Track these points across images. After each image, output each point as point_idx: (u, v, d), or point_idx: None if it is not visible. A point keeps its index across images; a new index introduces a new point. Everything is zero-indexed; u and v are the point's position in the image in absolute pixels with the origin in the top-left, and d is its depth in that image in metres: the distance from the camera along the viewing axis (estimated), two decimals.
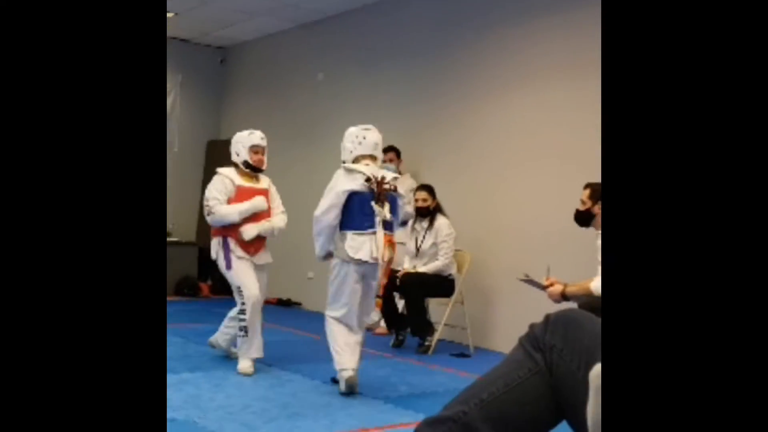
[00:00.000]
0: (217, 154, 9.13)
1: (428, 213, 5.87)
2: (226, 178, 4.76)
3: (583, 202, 4.27)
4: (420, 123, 6.92)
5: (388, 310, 5.90)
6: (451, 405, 1.63)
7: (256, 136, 4.82)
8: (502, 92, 6.23)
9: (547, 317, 1.64)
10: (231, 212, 4.66)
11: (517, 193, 6.04)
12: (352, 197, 4.13)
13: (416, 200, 5.87)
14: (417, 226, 5.92)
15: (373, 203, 4.13)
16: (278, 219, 4.89)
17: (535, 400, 1.58)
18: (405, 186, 6.43)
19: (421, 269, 5.80)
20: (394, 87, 7.27)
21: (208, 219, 4.75)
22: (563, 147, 5.70)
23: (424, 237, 5.86)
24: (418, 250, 5.89)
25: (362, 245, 4.12)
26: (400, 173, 6.58)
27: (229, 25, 8.62)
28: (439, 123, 6.78)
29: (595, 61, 5.38)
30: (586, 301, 3.93)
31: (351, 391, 4.10)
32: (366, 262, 4.13)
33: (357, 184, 4.13)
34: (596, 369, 1.39)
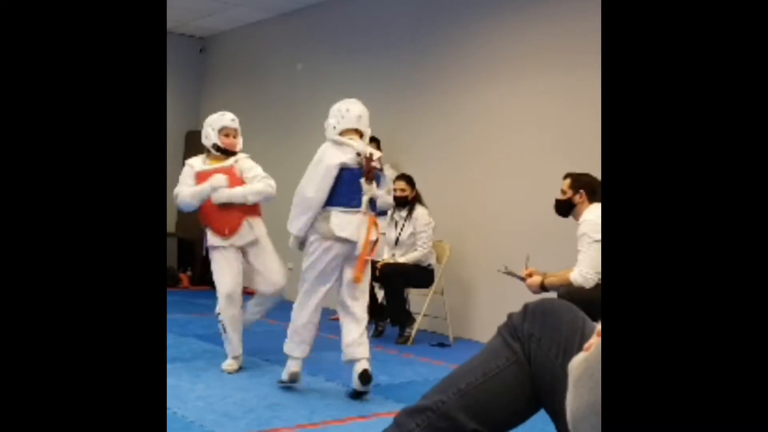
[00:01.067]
0: (196, 145, 9.04)
1: (407, 203, 5.88)
2: (188, 167, 4.59)
3: (563, 192, 4.27)
4: (399, 113, 6.92)
5: (368, 300, 5.90)
6: (430, 394, 1.63)
7: (226, 118, 4.57)
8: (482, 83, 6.23)
9: (526, 306, 1.65)
10: (183, 195, 4.47)
11: (496, 183, 6.05)
12: (342, 172, 3.85)
13: (395, 190, 5.86)
14: (396, 216, 5.93)
15: (362, 180, 3.88)
16: (255, 184, 4.50)
17: (514, 389, 1.58)
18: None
19: (400, 259, 5.80)
20: (373, 77, 7.25)
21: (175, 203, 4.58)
22: (543, 137, 5.72)
23: (402, 227, 5.87)
24: (397, 240, 5.89)
25: (348, 223, 3.84)
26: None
27: (207, 14, 8.56)
28: (418, 113, 6.78)
29: (579, 52, 5.41)
30: (565, 291, 3.95)
31: (292, 382, 3.98)
32: (350, 241, 3.86)
33: (348, 157, 3.86)
34: (576, 360, 1.39)
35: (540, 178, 5.53)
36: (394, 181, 6.00)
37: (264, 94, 8.60)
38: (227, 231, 4.44)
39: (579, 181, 4.22)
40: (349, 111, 3.99)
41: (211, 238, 4.46)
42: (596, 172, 4.17)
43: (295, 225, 3.94)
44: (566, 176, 4.30)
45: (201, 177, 4.49)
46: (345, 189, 3.86)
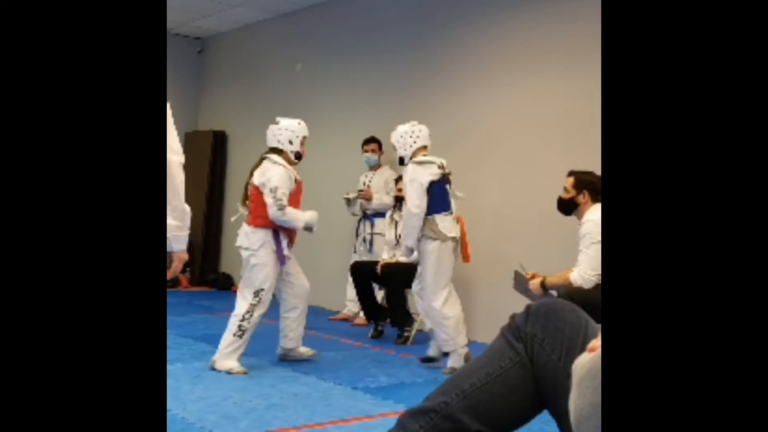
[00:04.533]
0: (195, 145, 9.08)
1: None
2: (291, 172, 4.58)
3: (566, 190, 4.21)
4: (399, 114, 6.90)
5: (367, 300, 5.90)
6: (433, 396, 1.63)
7: (305, 127, 4.76)
8: (480, 82, 6.23)
9: (528, 307, 1.65)
10: (298, 219, 4.51)
11: (496, 182, 6.05)
12: (432, 185, 4.56)
13: (398, 190, 5.86)
14: (396, 216, 5.92)
15: (447, 187, 4.64)
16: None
17: (517, 390, 1.58)
18: (384, 177, 6.44)
19: (401, 260, 5.79)
20: (372, 77, 7.25)
21: (277, 214, 4.42)
22: (544, 137, 5.71)
23: None
24: (397, 240, 5.88)
25: (451, 224, 4.61)
26: (380, 165, 6.58)
27: (206, 15, 8.56)
28: (417, 113, 6.75)
29: (580, 51, 5.40)
30: (565, 291, 3.94)
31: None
32: (455, 238, 4.61)
33: (433, 173, 4.58)
34: (579, 360, 1.39)
35: (541, 178, 5.53)
36: (396, 181, 6.00)
37: (263, 95, 8.59)
38: (292, 243, 4.71)
39: (582, 181, 4.16)
40: (422, 131, 4.75)
41: (286, 248, 4.58)
42: (598, 172, 4.17)
43: (411, 238, 4.65)
44: (570, 174, 4.24)
45: (298, 187, 4.66)
46: (439, 197, 4.61)
